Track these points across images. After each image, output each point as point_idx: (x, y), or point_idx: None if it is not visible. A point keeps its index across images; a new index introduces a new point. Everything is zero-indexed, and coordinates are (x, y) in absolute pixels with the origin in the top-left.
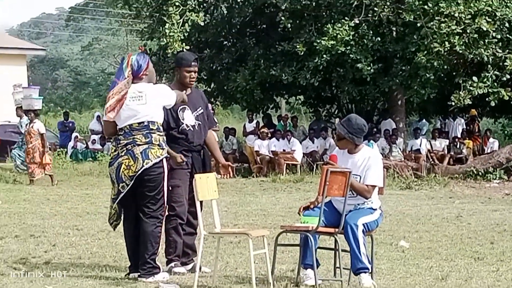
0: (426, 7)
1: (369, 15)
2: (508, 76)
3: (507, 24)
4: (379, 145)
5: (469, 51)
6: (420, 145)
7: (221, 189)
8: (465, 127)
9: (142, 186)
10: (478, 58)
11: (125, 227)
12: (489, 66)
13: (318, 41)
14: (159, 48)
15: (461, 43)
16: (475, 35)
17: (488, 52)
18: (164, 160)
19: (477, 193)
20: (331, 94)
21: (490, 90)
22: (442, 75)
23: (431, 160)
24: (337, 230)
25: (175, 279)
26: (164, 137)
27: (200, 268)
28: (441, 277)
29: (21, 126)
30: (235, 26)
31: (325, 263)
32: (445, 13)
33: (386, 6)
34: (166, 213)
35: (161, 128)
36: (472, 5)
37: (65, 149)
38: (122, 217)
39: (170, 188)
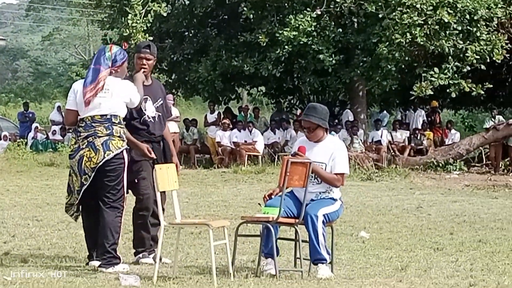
0: None
1: (331, 6)
2: (469, 68)
3: (468, 16)
4: (340, 137)
5: (430, 43)
6: (381, 137)
7: (182, 180)
8: (425, 118)
9: (103, 177)
10: (439, 50)
11: (83, 217)
12: (450, 57)
13: (280, 32)
14: (120, 38)
15: (422, 34)
16: (436, 27)
17: (449, 43)
18: (125, 151)
19: (437, 184)
20: (293, 85)
21: (450, 81)
22: (403, 66)
23: (391, 151)
24: (297, 220)
25: (135, 270)
26: (125, 129)
27: (160, 259)
28: (400, 268)
29: None
30: (197, 16)
31: (285, 254)
32: (406, 4)
33: None
34: (134, 206)
35: (122, 121)
36: None
37: (25, 140)
38: (80, 209)
39: (136, 181)
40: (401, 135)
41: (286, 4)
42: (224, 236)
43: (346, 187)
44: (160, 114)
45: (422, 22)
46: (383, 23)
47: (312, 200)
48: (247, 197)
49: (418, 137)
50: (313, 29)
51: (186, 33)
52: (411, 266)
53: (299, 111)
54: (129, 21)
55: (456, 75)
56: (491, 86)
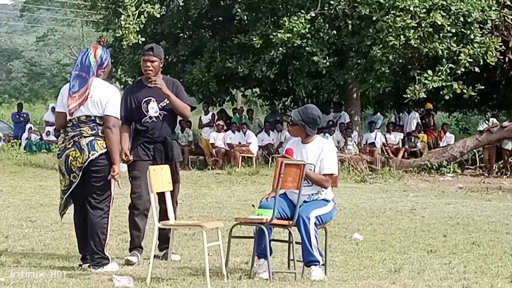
0: (381, 0)
1: (325, 8)
2: (463, 70)
3: (461, 18)
4: (334, 138)
5: (424, 45)
6: (375, 139)
7: None
8: (419, 121)
9: (89, 177)
10: (433, 52)
11: (74, 218)
12: (444, 60)
13: (274, 33)
14: (114, 40)
15: (416, 37)
16: (430, 29)
17: (442, 46)
18: None
19: (431, 186)
20: (287, 87)
21: (444, 83)
22: (397, 68)
23: (385, 153)
24: (291, 222)
25: (128, 271)
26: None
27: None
28: (394, 270)
29: None
30: (191, 18)
31: (279, 255)
32: (400, 7)
33: (342, 0)
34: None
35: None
36: None
37: (19, 141)
38: (68, 207)
39: (130, 180)
40: (395, 137)
41: (280, 6)
42: (217, 237)
43: (339, 189)
44: (167, 113)
45: (416, 25)
46: (377, 25)
47: (305, 201)
48: (241, 198)
49: (412, 140)
50: (307, 31)
51: (181, 35)
52: (405, 268)
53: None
54: (122, 22)
55: (449, 77)
56: (483, 87)
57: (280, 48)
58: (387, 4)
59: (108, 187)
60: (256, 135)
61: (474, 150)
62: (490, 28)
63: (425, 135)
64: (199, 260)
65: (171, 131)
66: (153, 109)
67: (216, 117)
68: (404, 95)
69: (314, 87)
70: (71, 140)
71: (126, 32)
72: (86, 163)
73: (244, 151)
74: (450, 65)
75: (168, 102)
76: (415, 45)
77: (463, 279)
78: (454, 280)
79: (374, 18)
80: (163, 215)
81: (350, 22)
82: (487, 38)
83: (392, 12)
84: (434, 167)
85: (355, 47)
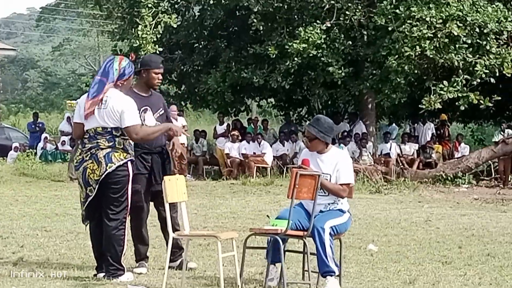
0: (397, 11)
1: (341, 18)
2: (478, 81)
3: (477, 29)
4: (349, 149)
5: (440, 56)
6: (390, 149)
7: (191, 191)
8: (434, 131)
9: (106, 189)
10: (449, 63)
11: (91, 229)
12: (460, 71)
13: (290, 44)
14: (130, 49)
15: (432, 47)
16: (446, 40)
17: (458, 56)
18: (129, 163)
19: (445, 197)
20: (302, 97)
21: (460, 94)
22: (412, 79)
23: (400, 164)
24: (306, 233)
25: (143, 281)
26: (130, 141)
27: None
28: (409, 281)
29: None
30: (207, 28)
31: (293, 266)
32: (416, 17)
33: (357, 10)
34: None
35: (125, 133)
36: (443, 9)
37: (35, 150)
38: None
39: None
40: (410, 148)
41: (296, 16)
42: (232, 248)
43: (354, 200)
44: (161, 123)
45: (432, 35)
46: (392, 36)
47: (321, 211)
48: (255, 209)
49: (427, 151)
50: (322, 41)
51: (196, 45)
52: (419, 280)
53: (308, 123)
54: (139, 32)
55: (465, 88)
56: (499, 98)
57: (296, 58)
58: (403, 15)
59: (125, 198)
60: (271, 146)
61: (489, 161)
62: (506, 39)
63: (440, 146)
64: (213, 271)
65: (165, 142)
66: (149, 118)
67: (231, 127)
68: (419, 106)
69: (329, 97)
70: (89, 152)
71: (144, 42)
72: (103, 175)
73: (258, 161)
74: (465, 76)
75: (162, 112)
76: (431, 56)
77: None
78: None
79: (389, 29)
80: (163, 224)
81: (365, 32)
82: (503, 49)
83: (408, 22)
84: (449, 178)
85: (371, 58)
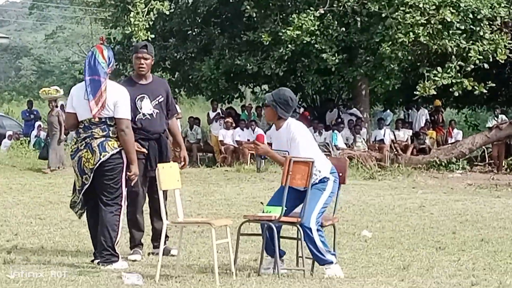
0: None
1: (334, 5)
2: (472, 67)
3: (471, 15)
4: (343, 136)
5: (433, 42)
6: (383, 136)
7: (185, 178)
8: (428, 117)
9: (101, 177)
10: (442, 49)
11: (87, 216)
12: (453, 57)
13: (283, 31)
14: (123, 37)
15: (425, 33)
16: (439, 26)
17: (452, 43)
18: (123, 151)
19: (439, 183)
20: (296, 84)
21: (453, 80)
22: (406, 65)
23: (394, 150)
24: (299, 219)
25: (138, 268)
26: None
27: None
28: (403, 267)
29: None
30: (200, 15)
31: (288, 253)
32: (409, 3)
33: None
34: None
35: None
36: None
37: (29, 138)
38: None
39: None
40: (404, 134)
41: (289, 3)
42: (226, 235)
43: (348, 186)
44: (159, 111)
45: (425, 22)
46: (386, 22)
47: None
48: (249, 195)
49: (421, 136)
50: (316, 28)
51: (190, 32)
52: (413, 265)
53: (302, 109)
54: (131, 19)
55: (459, 74)
56: (494, 85)
57: (289, 45)
58: (396, 1)
59: (120, 185)
60: (265, 132)
61: (483, 147)
62: (499, 25)
63: (434, 132)
64: (208, 258)
65: (164, 128)
66: (146, 106)
67: (222, 114)
68: (414, 92)
69: (323, 84)
70: (83, 142)
71: (136, 29)
72: (97, 164)
73: (252, 148)
74: (459, 62)
75: (161, 99)
76: (424, 42)
77: (472, 276)
78: (463, 277)
79: (383, 15)
80: (152, 211)
81: (359, 19)
82: (497, 35)
83: (401, 8)
84: (443, 163)
85: (364, 44)
